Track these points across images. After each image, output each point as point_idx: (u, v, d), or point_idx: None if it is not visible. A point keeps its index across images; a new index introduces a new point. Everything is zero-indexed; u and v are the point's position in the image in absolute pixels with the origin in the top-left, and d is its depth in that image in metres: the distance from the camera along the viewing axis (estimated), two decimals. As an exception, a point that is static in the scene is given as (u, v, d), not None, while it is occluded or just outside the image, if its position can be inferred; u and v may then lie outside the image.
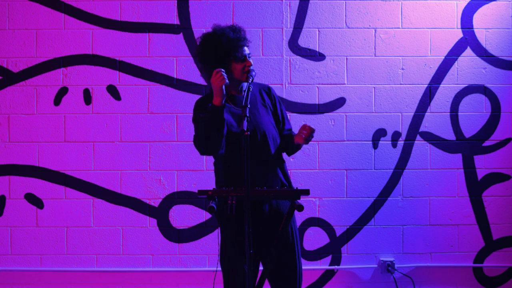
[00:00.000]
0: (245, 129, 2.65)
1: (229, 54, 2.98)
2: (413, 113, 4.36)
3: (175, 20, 4.31)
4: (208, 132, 2.92)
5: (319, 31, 4.33)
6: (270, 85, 3.26)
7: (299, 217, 4.27)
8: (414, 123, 4.36)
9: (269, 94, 3.20)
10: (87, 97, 4.28)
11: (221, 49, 2.97)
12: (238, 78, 3.04)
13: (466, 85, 4.39)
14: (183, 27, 4.30)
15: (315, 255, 4.35)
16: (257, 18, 4.31)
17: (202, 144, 2.98)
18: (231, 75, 3.02)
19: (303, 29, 4.32)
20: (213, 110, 2.91)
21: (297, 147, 3.17)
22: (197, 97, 4.20)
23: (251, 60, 3.05)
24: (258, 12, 4.31)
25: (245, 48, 3.05)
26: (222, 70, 2.90)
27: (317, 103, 4.32)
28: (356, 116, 4.34)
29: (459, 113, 4.38)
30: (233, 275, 3.00)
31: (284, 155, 3.23)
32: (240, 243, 2.89)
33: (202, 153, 3.03)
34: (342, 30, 4.33)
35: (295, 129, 4.30)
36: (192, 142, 3.08)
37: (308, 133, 3.01)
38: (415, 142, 4.36)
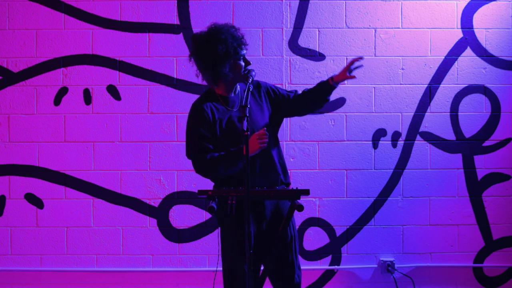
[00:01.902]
0: (245, 129, 2.65)
1: (235, 52, 2.95)
2: (413, 113, 4.36)
3: (175, 20, 4.31)
4: (224, 169, 2.95)
5: (319, 31, 4.33)
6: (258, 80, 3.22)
7: (299, 217, 4.27)
8: (414, 123, 4.36)
9: (259, 90, 3.16)
10: (87, 97, 4.28)
11: (226, 46, 2.93)
12: (237, 78, 3.03)
13: (466, 85, 4.39)
14: (183, 27, 4.30)
15: (315, 255, 4.35)
16: (257, 18, 4.31)
17: (208, 172, 3.03)
18: (231, 74, 3.01)
19: (303, 29, 4.32)
20: (238, 157, 2.89)
21: (331, 91, 3.16)
22: (197, 97, 4.19)
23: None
24: (258, 12, 4.31)
25: (244, 46, 3.05)
26: (267, 133, 2.91)
27: (317, 103, 4.32)
28: (356, 116, 4.34)
29: (459, 113, 4.38)
30: (233, 275, 3.00)
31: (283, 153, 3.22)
32: (240, 243, 2.89)
33: (198, 172, 3.07)
34: (342, 30, 4.33)
35: (294, 130, 4.31)
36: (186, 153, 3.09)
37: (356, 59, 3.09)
38: (415, 142, 4.36)
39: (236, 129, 3.00)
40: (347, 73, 3.11)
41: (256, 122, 3.05)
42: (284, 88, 4.29)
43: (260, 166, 3.02)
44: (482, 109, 4.39)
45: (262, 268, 3.07)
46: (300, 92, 3.22)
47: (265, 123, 3.10)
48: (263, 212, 3.02)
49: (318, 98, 3.18)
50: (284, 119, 4.25)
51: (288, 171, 3.21)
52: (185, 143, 3.10)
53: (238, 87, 3.12)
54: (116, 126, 4.29)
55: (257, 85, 3.16)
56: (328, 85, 3.13)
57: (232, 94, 3.09)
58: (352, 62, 3.11)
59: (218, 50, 2.92)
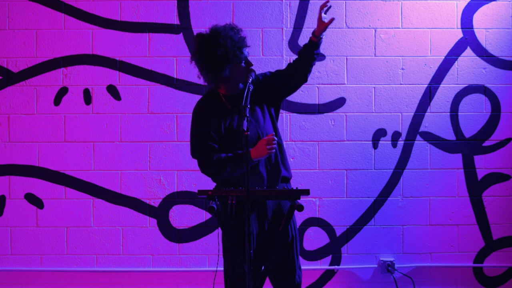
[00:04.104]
0: (245, 129, 2.65)
1: (234, 55, 2.94)
2: (413, 113, 4.36)
3: (175, 20, 4.31)
4: (230, 172, 2.97)
5: (319, 31, 4.33)
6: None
7: (299, 217, 4.27)
8: (414, 123, 4.36)
9: (256, 84, 3.10)
10: (87, 97, 4.28)
11: (226, 51, 2.92)
12: (239, 79, 3.03)
13: (466, 85, 4.39)
14: (183, 27, 4.30)
15: (315, 255, 4.35)
16: (257, 18, 4.31)
17: (213, 173, 3.03)
18: (232, 76, 3.01)
19: (303, 29, 4.32)
20: (243, 163, 2.85)
21: (315, 48, 3.09)
22: (197, 97, 4.19)
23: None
24: (258, 12, 4.31)
25: (245, 48, 3.04)
26: (276, 138, 2.91)
27: (317, 103, 4.33)
28: (356, 116, 4.34)
29: (459, 113, 4.38)
30: (234, 275, 3.00)
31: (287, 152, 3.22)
32: (240, 243, 2.89)
33: (204, 172, 3.07)
34: (342, 30, 4.33)
35: (294, 130, 4.31)
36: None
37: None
38: (415, 142, 4.36)
39: (239, 129, 3.00)
40: (324, 20, 3.02)
41: (261, 124, 3.05)
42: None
43: (264, 173, 3.02)
44: (482, 109, 4.39)
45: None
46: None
47: (270, 122, 3.10)
48: (265, 212, 3.02)
49: (307, 57, 3.11)
50: (284, 119, 4.26)
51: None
52: (189, 142, 3.10)
53: (241, 87, 3.12)
54: (116, 126, 4.29)
55: (257, 79, 3.12)
56: (312, 43, 3.07)
57: (235, 94, 3.09)
58: (322, 7, 3.03)
59: (217, 53, 2.93)
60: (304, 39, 4.31)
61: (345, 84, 4.33)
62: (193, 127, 3.07)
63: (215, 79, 3.01)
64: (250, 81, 2.93)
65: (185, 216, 4.31)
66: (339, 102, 4.33)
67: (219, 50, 2.92)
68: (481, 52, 4.38)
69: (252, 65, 3.03)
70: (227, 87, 3.06)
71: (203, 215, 4.31)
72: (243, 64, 3.00)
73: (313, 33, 3.06)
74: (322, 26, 3.03)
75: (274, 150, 2.92)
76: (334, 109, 4.33)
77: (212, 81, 3.03)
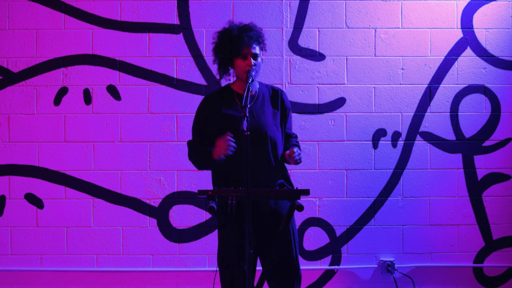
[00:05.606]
0: (245, 129, 2.65)
1: (230, 52, 3.03)
2: (413, 113, 4.36)
3: (175, 20, 4.31)
4: (197, 163, 3.13)
5: (319, 31, 4.33)
6: (283, 90, 3.27)
7: (299, 217, 4.27)
8: (414, 123, 4.36)
9: (276, 97, 3.18)
10: (87, 97, 4.28)
11: (225, 46, 3.05)
12: (240, 75, 3.06)
13: (466, 85, 4.39)
14: (183, 27, 4.30)
15: (315, 255, 4.35)
16: (257, 18, 4.31)
17: (195, 165, 3.17)
18: (237, 74, 3.10)
19: (303, 29, 4.32)
20: (208, 158, 2.97)
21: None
22: (197, 97, 4.20)
23: (258, 60, 3.03)
24: (258, 12, 4.31)
25: (253, 47, 3.03)
26: (232, 140, 2.89)
27: (317, 103, 4.33)
28: (356, 116, 4.34)
29: (459, 113, 4.38)
30: (230, 275, 3.00)
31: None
32: (239, 243, 2.88)
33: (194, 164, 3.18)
34: (342, 30, 4.33)
35: (294, 130, 4.31)
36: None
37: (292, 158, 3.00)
38: (415, 142, 4.36)
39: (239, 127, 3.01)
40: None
41: (264, 124, 3.05)
42: (284, 88, 4.29)
43: (259, 172, 3.02)
44: (482, 109, 4.39)
45: (262, 269, 3.07)
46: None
47: (275, 126, 3.10)
48: (263, 213, 3.01)
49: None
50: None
51: (289, 172, 3.22)
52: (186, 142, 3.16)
53: (252, 87, 3.12)
54: (116, 126, 4.29)
55: (280, 94, 3.19)
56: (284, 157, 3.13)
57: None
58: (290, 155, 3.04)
59: (221, 49, 3.07)
60: (304, 39, 4.32)
61: (345, 84, 4.33)
62: (196, 113, 3.16)
63: (220, 74, 3.15)
64: (250, 81, 2.94)
65: (185, 216, 4.31)
66: (339, 102, 4.33)
67: (223, 46, 3.05)
68: (481, 52, 4.38)
69: (253, 65, 3.02)
70: (236, 84, 3.15)
71: (203, 215, 4.31)
72: (242, 61, 3.02)
73: (284, 154, 3.09)
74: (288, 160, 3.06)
75: (228, 151, 2.88)
76: (334, 109, 4.33)
77: (218, 75, 3.17)
